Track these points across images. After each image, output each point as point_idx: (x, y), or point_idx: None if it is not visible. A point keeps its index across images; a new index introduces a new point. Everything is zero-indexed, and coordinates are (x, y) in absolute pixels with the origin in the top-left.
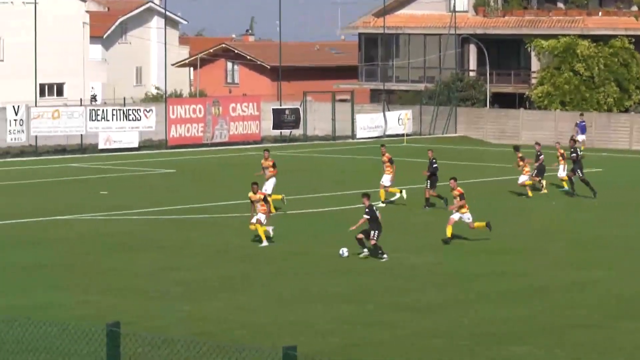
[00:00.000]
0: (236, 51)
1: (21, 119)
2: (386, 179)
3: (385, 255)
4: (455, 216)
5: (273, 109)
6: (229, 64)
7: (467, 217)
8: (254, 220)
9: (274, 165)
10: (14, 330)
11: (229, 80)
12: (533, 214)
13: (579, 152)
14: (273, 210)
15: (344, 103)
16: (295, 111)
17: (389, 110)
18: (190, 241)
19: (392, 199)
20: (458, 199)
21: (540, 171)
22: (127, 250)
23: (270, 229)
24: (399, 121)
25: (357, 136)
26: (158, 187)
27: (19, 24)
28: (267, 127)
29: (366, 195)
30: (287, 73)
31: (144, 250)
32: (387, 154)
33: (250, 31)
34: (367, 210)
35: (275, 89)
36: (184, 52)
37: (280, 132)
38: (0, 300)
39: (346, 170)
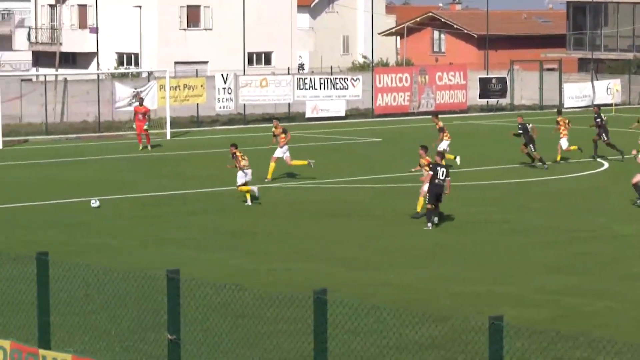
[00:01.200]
0: (443, 20)
1: (229, 88)
2: (444, 144)
3: None
4: (426, 187)
5: (479, 78)
6: (436, 33)
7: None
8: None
9: (284, 132)
10: (222, 296)
11: (435, 49)
12: None
13: (603, 117)
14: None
15: (551, 72)
16: (502, 80)
17: (597, 80)
18: (396, 210)
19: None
20: (427, 168)
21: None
22: (333, 217)
23: (255, 188)
24: (607, 91)
25: (565, 105)
26: (365, 156)
27: None
28: (473, 96)
29: (424, 147)
30: (493, 42)
31: (351, 218)
32: (439, 123)
33: (457, 0)
34: (430, 165)
35: (482, 57)
36: (390, 21)
37: (487, 102)
38: (204, 265)
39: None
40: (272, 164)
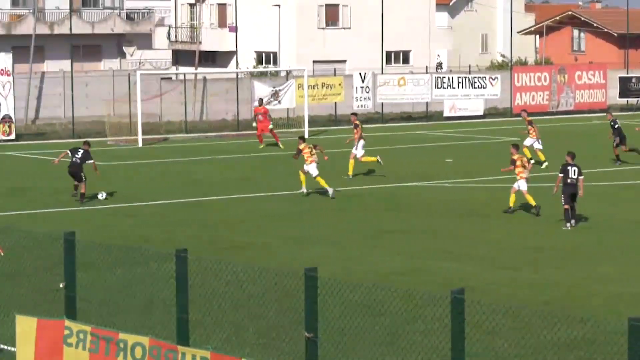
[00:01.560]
0: (582, 18)
1: (367, 86)
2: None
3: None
4: (516, 185)
5: (619, 77)
6: (575, 32)
7: None
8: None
9: (355, 127)
10: (360, 294)
11: (575, 47)
12: None
13: (618, 123)
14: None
15: None
16: None
17: None
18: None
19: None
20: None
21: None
22: (472, 217)
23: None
24: None
25: None
26: (503, 155)
27: None
28: (613, 95)
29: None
30: (634, 40)
31: (492, 218)
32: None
33: None
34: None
35: (622, 56)
36: (529, 20)
37: (627, 101)
38: (336, 265)
39: None
40: (352, 161)
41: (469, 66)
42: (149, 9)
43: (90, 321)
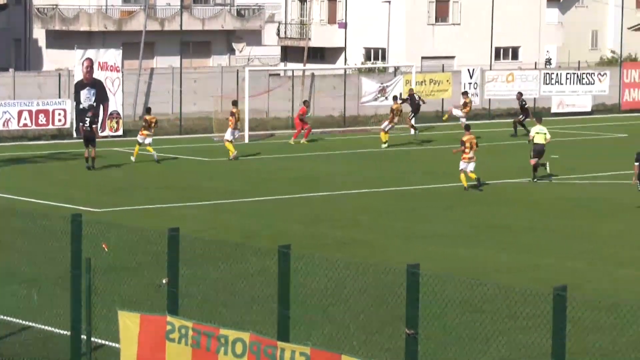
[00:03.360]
0: None
1: (475, 82)
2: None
3: None
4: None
5: None
6: None
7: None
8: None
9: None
10: (461, 291)
11: None
12: None
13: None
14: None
15: None
16: None
17: None
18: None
19: None
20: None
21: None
22: (579, 213)
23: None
24: None
25: None
26: (610, 151)
27: None
28: None
29: None
30: None
31: (608, 215)
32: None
33: None
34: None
35: None
36: None
37: None
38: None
39: None
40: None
41: (578, 62)
42: (260, 6)
43: (192, 317)
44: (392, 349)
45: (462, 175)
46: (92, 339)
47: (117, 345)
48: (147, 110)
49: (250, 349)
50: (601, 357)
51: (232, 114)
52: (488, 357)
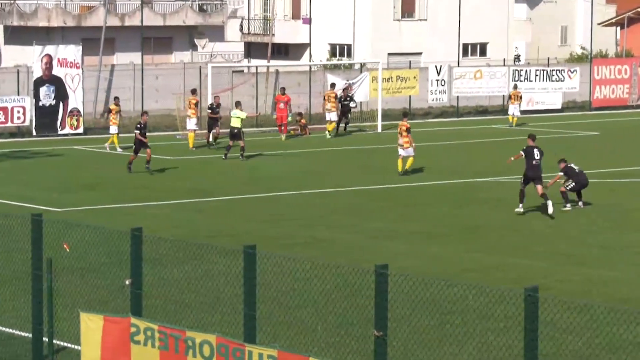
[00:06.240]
0: None
1: (443, 79)
2: None
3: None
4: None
5: None
6: None
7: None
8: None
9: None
10: (431, 291)
11: None
12: None
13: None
14: None
15: None
16: None
17: None
18: (621, 205)
19: None
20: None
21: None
22: (559, 214)
23: None
24: None
25: None
26: (582, 150)
27: None
28: None
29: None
30: None
31: (567, 213)
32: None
33: None
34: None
35: None
36: (610, 11)
37: None
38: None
39: None
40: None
41: (548, 59)
42: (222, 1)
43: (156, 318)
44: (360, 351)
45: (400, 162)
46: (55, 341)
47: (79, 347)
48: (115, 100)
49: (218, 351)
50: (575, 359)
51: (195, 103)
52: None
